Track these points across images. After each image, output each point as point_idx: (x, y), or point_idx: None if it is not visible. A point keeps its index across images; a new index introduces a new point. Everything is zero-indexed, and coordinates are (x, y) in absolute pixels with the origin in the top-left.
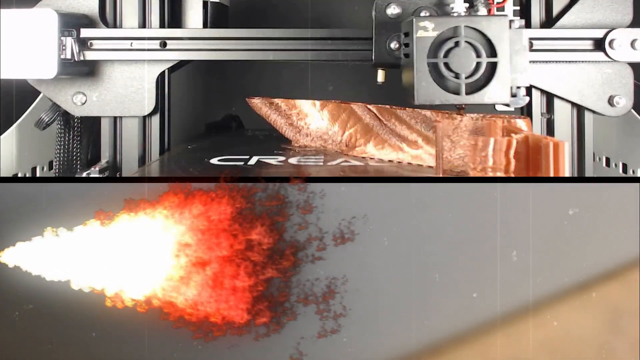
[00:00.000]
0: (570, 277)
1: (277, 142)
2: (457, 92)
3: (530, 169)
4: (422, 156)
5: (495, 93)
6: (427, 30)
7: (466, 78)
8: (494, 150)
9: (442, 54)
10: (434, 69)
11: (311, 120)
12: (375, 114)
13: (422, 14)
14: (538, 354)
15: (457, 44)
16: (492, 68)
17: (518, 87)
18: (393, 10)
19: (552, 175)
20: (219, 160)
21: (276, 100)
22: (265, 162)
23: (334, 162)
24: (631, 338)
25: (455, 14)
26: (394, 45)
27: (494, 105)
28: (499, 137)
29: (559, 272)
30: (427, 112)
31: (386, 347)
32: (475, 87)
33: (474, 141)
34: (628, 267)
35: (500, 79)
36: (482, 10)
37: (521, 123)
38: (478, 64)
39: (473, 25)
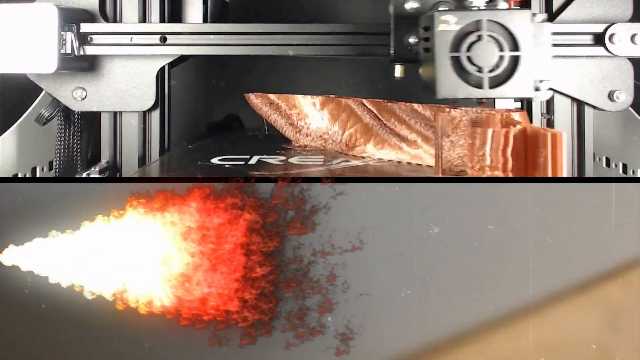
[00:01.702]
0: (570, 277)
1: (277, 142)
2: (479, 86)
3: (528, 161)
4: (421, 155)
5: (518, 87)
6: (448, 23)
7: (489, 72)
8: (492, 148)
9: (464, 47)
10: (456, 63)
11: (311, 120)
12: (375, 114)
13: (442, 8)
14: (538, 354)
15: (479, 37)
16: (515, 62)
17: (541, 81)
18: (412, 4)
19: (550, 167)
20: (219, 160)
21: (276, 100)
22: (266, 162)
23: (334, 162)
24: (631, 338)
25: (475, 8)
26: (412, 40)
27: (493, 106)
28: (497, 128)
29: (559, 272)
30: (427, 112)
31: (386, 347)
32: (498, 81)
33: (471, 139)
34: (628, 267)
35: (523, 73)
36: (502, 4)
37: (517, 116)
38: (501, 58)
39: (495, 18)
